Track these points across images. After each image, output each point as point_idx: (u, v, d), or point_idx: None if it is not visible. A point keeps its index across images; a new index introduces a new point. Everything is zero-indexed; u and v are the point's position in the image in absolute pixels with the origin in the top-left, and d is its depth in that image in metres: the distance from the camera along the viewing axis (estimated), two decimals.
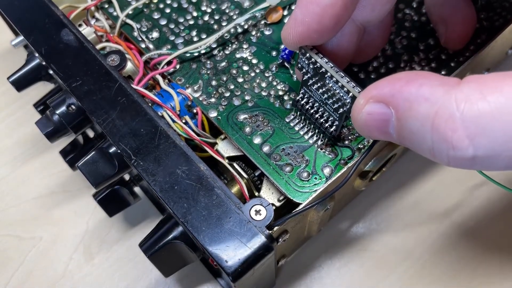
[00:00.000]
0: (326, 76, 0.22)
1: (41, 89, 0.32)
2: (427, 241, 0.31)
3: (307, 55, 0.22)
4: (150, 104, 0.25)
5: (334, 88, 0.22)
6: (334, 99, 0.22)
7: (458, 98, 0.16)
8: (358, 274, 0.30)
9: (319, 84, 0.23)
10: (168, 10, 0.29)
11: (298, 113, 0.25)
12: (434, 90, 0.16)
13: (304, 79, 0.23)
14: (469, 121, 0.15)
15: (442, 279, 0.30)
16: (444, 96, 0.16)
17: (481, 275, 0.30)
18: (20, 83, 0.29)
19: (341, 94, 0.22)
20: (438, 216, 0.32)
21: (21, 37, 0.28)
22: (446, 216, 0.32)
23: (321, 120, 0.24)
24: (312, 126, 0.25)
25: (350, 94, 0.21)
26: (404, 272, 0.30)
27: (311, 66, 0.22)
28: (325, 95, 0.23)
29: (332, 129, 0.23)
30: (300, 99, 0.24)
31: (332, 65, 0.22)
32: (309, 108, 0.24)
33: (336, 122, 0.23)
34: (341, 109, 0.22)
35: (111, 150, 0.25)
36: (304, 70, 0.23)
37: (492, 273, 0.30)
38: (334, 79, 0.22)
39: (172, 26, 0.29)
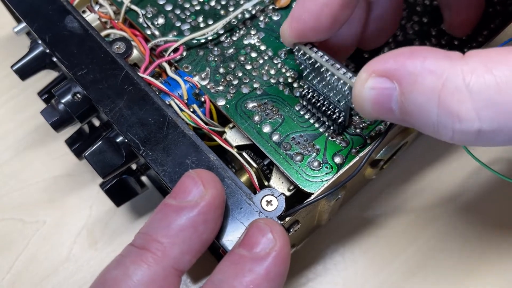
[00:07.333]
0: (322, 70, 0.22)
1: (43, 72, 0.32)
2: (433, 226, 0.31)
3: (302, 51, 0.22)
4: (157, 93, 0.24)
5: (332, 81, 0.21)
6: (334, 91, 0.22)
7: (464, 70, 0.15)
8: (363, 260, 0.30)
9: (318, 79, 0.22)
10: None
11: (307, 106, 0.25)
12: (439, 63, 0.16)
13: (304, 74, 0.23)
14: (476, 93, 0.15)
15: (448, 264, 0.30)
16: (450, 69, 0.16)
17: (488, 260, 0.30)
18: (24, 72, 0.28)
19: (340, 87, 0.21)
20: (443, 203, 0.31)
21: (24, 24, 0.28)
22: (452, 203, 0.31)
23: (329, 112, 0.23)
24: (321, 115, 0.24)
25: (347, 85, 0.21)
26: (410, 257, 0.30)
27: (307, 62, 0.22)
28: (326, 89, 0.22)
29: (340, 120, 0.23)
30: (305, 94, 0.24)
31: (328, 58, 0.21)
32: (315, 101, 0.24)
33: (343, 113, 0.23)
34: (343, 100, 0.22)
35: (118, 140, 0.25)
36: (302, 66, 0.23)
37: (500, 257, 0.30)
38: (330, 72, 0.21)
39: (178, 12, 0.28)
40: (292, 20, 0.22)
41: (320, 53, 0.22)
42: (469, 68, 0.15)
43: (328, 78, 0.22)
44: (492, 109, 0.15)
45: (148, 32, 0.28)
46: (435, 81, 0.16)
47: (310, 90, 0.24)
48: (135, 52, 0.26)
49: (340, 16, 0.21)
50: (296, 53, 0.22)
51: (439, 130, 0.16)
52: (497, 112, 0.15)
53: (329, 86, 0.22)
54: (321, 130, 0.24)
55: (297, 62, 0.23)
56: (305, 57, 0.22)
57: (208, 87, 0.26)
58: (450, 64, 0.16)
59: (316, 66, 0.22)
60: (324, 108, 0.23)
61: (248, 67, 0.26)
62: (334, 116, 0.23)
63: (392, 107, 0.17)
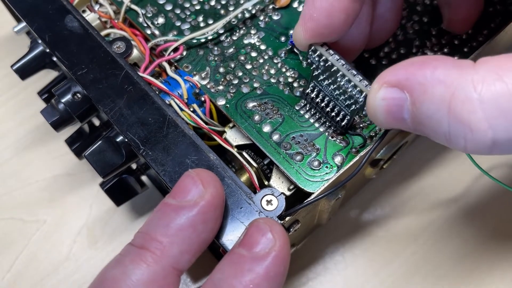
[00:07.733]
0: (336, 74, 0.21)
1: (43, 72, 0.32)
2: (432, 226, 0.31)
3: (318, 52, 0.22)
4: (157, 92, 0.24)
5: (346, 86, 0.21)
6: (346, 96, 0.22)
7: (474, 79, 0.15)
8: (363, 259, 0.30)
9: (330, 81, 0.22)
10: None
11: (308, 105, 0.25)
12: (449, 72, 0.16)
13: (314, 74, 0.23)
14: (487, 102, 0.15)
15: (447, 264, 0.30)
16: (460, 78, 0.16)
17: (488, 260, 0.30)
18: (24, 71, 0.28)
19: (354, 93, 0.21)
20: (443, 203, 0.31)
21: (24, 24, 0.28)
22: (451, 202, 0.31)
23: (332, 113, 0.23)
24: (322, 115, 0.24)
25: (364, 93, 0.21)
26: (408, 257, 0.30)
27: (321, 63, 0.22)
28: (337, 92, 0.22)
29: (343, 123, 0.23)
30: (309, 93, 0.24)
31: (344, 63, 0.21)
32: (319, 101, 0.24)
33: (348, 117, 0.23)
34: (354, 106, 0.22)
35: (118, 139, 0.25)
36: (314, 66, 0.23)
37: (500, 258, 0.30)
38: (346, 78, 0.21)
39: (178, 11, 0.28)
40: (305, 20, 0.21)
41: (337, 57, 0.21)
42: (479, 76, 0.15)
43: (342, 83, 0.22)
44: (506, 117, 0.15)
45: (148, 32, 0.28)
46: (445, 90, 0.16)
47: (315, 90, 0.24)
48: (135, 52, 0.26)
49: (351, 10, 0.21)
50: (310, 54, 0.22)
51: (452, 140, 0.16)
52: (511, 120, 0.15)
53: (340, 90, 0.22)
54: (321, 129, 0.24)
55: (309, 61, 0.23)
56: (320, 59, 0.22)
57: (208, 86, 0.26)
58: (460, 73, 0.16)
59: (330, 69, 0.22)
60: (327, 109, 0.23)
61: (248, 66, 0.26)
62: (338, 119, 0.23)
63: (404, 116, 0.18)
